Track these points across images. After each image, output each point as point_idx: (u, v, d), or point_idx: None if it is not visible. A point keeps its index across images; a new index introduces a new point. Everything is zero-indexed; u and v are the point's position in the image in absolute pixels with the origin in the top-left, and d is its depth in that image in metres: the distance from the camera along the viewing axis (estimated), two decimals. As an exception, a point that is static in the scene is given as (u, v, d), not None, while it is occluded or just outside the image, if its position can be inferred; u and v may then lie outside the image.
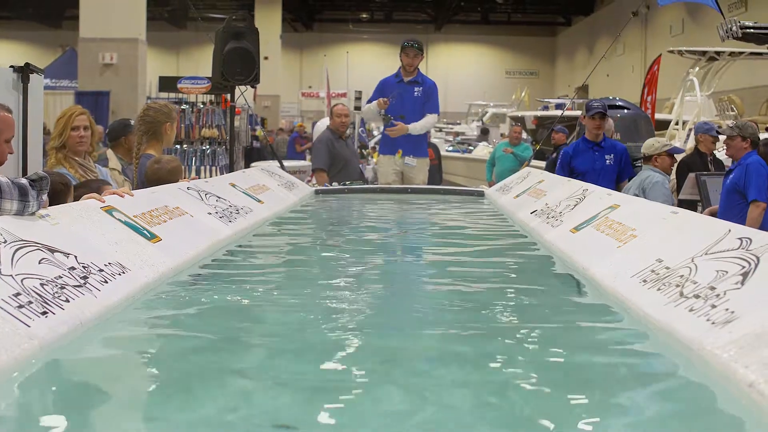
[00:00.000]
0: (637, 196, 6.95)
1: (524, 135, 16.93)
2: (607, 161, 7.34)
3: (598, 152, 7.35)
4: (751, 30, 11.57)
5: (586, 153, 7.38)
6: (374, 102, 8.68)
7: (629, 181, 7.24)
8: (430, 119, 8.75)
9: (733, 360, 2.05)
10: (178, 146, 11.32)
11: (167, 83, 12.03)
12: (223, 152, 11.09)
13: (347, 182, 8.47)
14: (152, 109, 5.72)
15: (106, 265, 2.93)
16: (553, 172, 9.49)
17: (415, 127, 8.59)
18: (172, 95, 12.04)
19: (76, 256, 2.78)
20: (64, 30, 37.03)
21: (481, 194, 7.75)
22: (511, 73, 44.81)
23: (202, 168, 10.97)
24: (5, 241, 2.50)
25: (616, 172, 7.37)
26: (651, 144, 7.23)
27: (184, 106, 11.16)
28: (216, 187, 5.14)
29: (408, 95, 8.62)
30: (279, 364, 2.35)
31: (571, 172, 7.21)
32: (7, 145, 3.64)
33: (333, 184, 8.44)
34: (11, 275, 2.34)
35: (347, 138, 9.49)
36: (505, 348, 2.56)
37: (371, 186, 9.18)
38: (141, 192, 4.19)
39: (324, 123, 15.04)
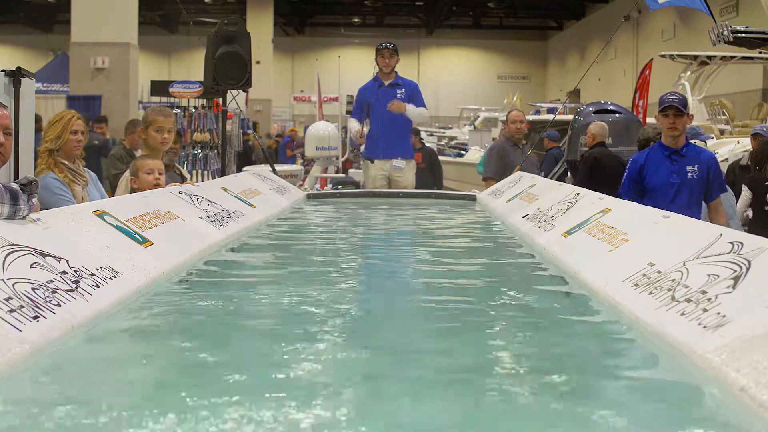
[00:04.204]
0: None
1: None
2: (689, 174, 5.66)
3: (677, 162, 5.68)
4: (743, 34, 11.64)
5: (660, 163, 5.73)
6: (356, 131, 8.98)
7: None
8: (424, 111, 8.82)
9: (725, 364, 2.05)
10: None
11: (159, 87, 12.03)
12: (215, 156, 11.10)
13: (339, 187, 8.47)
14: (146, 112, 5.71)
15: (97, 269, 2.92)
16: (547, 176, 9.49)
17: (413, 110, 8.66)
18: (164, 99, 12.05)
19: (67, 260, 2.77)
20: (56, 34, 37.05)
21: (473, 198, 7.74)
22: (502, 78, 44.89)
23: (194, 172, 10.97)
24: (-4, 246, 2.49)
25: (703, 189, 5.73)
26: None
27: (175, 110, 11.16)
28: (208, 192, 5.13)
29: (390, 98, 8.61)
30: (270, 372, 2.35)
31: (642, 187, 5.81)
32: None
33: (326, 188, 8.44)
34: (2, 279, 2.34)
35: (524, 145, 9.26)
36: (493, 352, 2.56)
37: (363, 190, 9.18)
38: (132, 196, 4.18)
39: (316, 127, 14.93)
